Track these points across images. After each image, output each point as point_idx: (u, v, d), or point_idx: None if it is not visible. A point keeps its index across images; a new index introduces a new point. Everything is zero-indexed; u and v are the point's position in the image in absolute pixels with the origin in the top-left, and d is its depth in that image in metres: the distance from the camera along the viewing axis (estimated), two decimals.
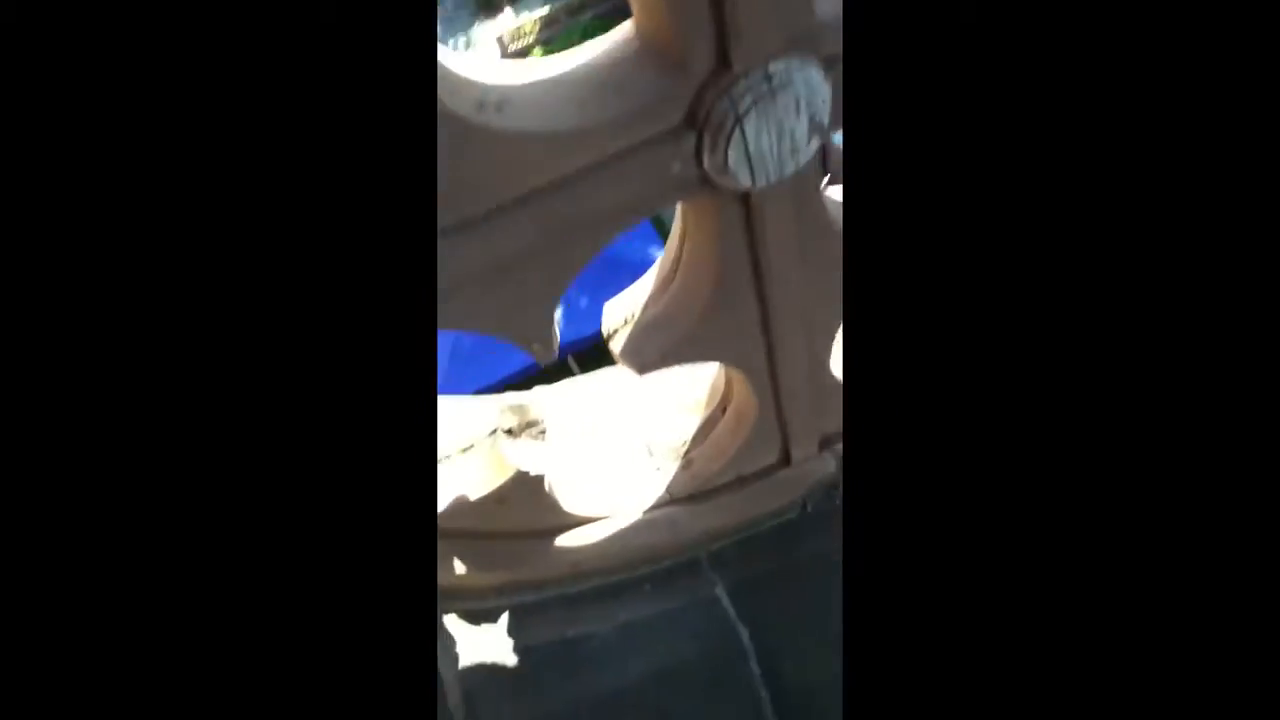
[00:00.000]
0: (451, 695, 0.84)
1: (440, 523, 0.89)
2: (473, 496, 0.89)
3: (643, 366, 0.87)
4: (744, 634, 0.99)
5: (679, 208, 0.81)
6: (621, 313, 0.89)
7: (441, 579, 0.91)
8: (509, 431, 0.93)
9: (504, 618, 0.94)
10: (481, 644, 0.90)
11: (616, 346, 0.88)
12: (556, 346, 0.80)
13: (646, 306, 0.88)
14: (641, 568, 1.05)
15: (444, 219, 0.59)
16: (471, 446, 0.93)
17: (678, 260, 0.86)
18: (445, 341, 5.05)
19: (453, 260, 0.61)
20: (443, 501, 0.89)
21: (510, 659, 0.90)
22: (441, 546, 0.90)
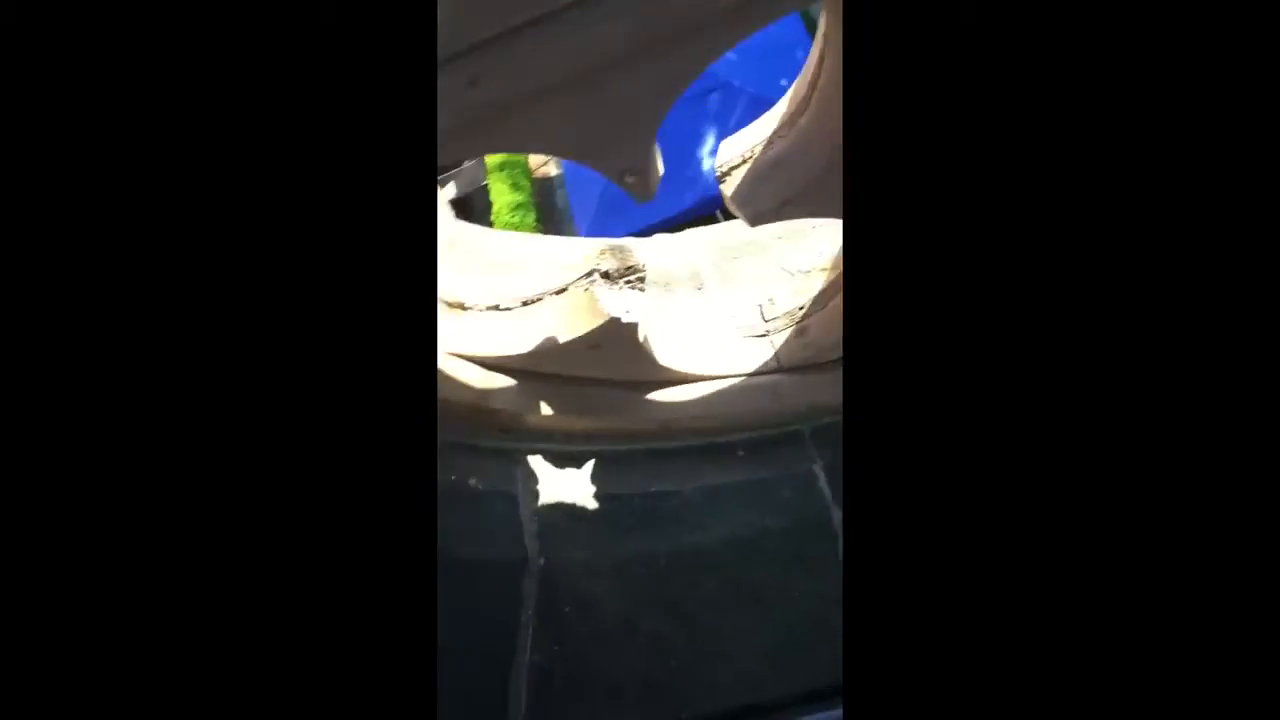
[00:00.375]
0: (527, 531, 0.86)
1: (526, 363, 0.86)
2: (561, 339, 0.85)
3: (756, 215, 0.75)
4: (836, 516, 0.93)
5: (823, 14, 0.65)
6: (739, 149, 0.76)
7: (529, 419, 0.90)
8: (605, 275, 0.86)
9: (589, 464, 0.92)
10: (563, 486, 0.90)
11: (728, 190, 0.76)
12: (657, 180, 0.69)
13: (770, 143, 0.75)
14: (737, 433, 0.99)
15: (509, 16, 0.49)
16: (565, 289, 0.88)
17: (813, 85, 0.70)
18: (594, 188, 4.92)
19: (521, 66, 0.52)
20: (530, 342, 0.86)
21: (590, 503, 0.90)
22: (528, 387, 0.88)
